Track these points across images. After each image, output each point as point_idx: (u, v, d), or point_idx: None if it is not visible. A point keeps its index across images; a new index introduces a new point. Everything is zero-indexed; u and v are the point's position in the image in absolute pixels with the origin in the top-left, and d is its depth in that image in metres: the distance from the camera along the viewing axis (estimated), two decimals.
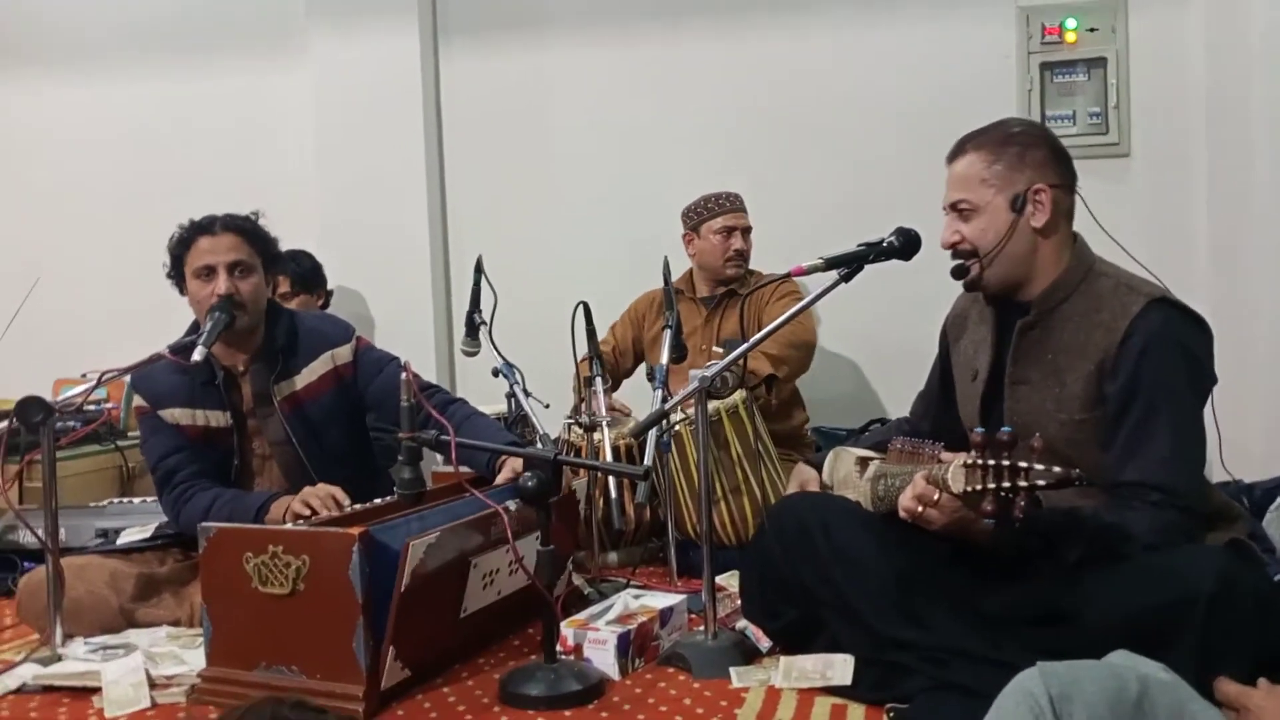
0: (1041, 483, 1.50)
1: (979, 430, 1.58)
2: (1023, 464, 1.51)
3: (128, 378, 2.54)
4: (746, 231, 3.33)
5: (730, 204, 3.33)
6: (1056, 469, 1.49)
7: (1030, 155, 1.92)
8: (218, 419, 2.53)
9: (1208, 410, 1.91)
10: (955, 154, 1.99)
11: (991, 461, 1.54)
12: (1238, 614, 1.54)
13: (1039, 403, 1.91)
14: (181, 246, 2.52)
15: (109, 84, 4.42)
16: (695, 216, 3.35)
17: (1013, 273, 1.95)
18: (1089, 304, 1.88)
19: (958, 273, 1.97)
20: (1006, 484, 1.52)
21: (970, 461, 1.58)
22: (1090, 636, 1.56)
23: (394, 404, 2.10)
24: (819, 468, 2.30)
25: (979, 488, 1.56)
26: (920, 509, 1.71)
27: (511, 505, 1.99)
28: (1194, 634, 1.55)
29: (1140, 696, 1.19)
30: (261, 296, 2.57)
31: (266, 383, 2.54)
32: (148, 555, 2.54)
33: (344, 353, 2.63)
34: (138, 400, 2.56)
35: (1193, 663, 1.45)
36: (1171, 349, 1.80)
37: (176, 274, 2.55)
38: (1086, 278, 1.91)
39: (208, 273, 2.48)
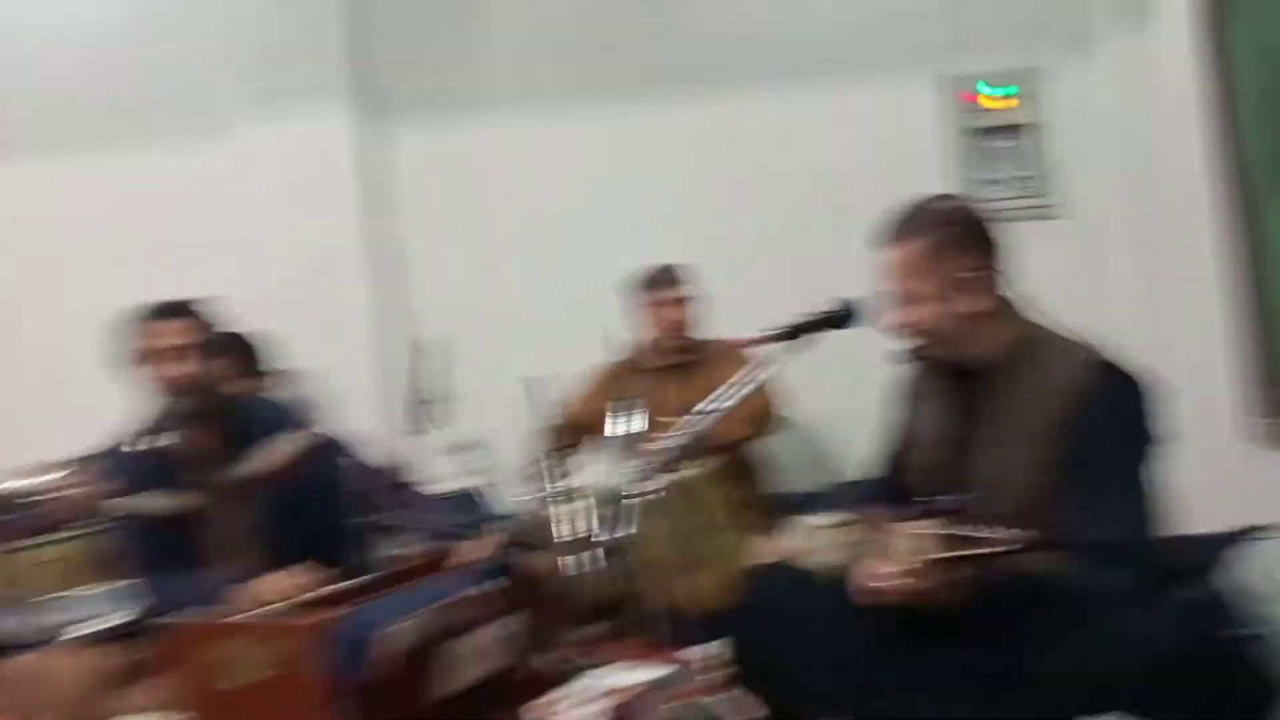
0: (1002, 549, 1.50)
1: (935, 498, 1.59)
2: (982, 533, 1.52)
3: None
4: (680, 302, 3.38)
5: (656, 280, 3.39)
6: (1016, 534, 1.50)
7: (957, 244, 1.92)
8: (178, 505, 2.52)
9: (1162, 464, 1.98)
10: (883, 242, 2.00)
11: (952, 531, 1.55)
12: (1200, 672, 1.55)
13: (1001, 467, 1.92)
14: (124, 334, 2.51)
15: (40, 175, 4.32)
16: (631, 294, 3.43)
17: (953, 351, 1.98)
18: (1033, 367, 1.91)
19: (899, 357, 2.02)
20: (969, 551, 1.52)
21: (928, 532, 1.58)
22: (1049, 698, 1.58)
23: (351, 487, 2.10)
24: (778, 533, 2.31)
25: (938, 557, 1.56)
26: (882, 591, 1.71)
27: (489, 588, 1.98)
28: (1154, 694, 1.57)
29: None
30: (209, 379, 2.56)
31: (224, 469, 2.53)
32: (112, 646, 2.48)
33: (299, 438, 2.62)
34: (101, 486, 2.53)
35: None
36: (1119, 411, 1.84)
37: (122, 362, 2.52)
38: (1029, 340, 1.94)
39: (155, 358, 2.47)
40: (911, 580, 1.65)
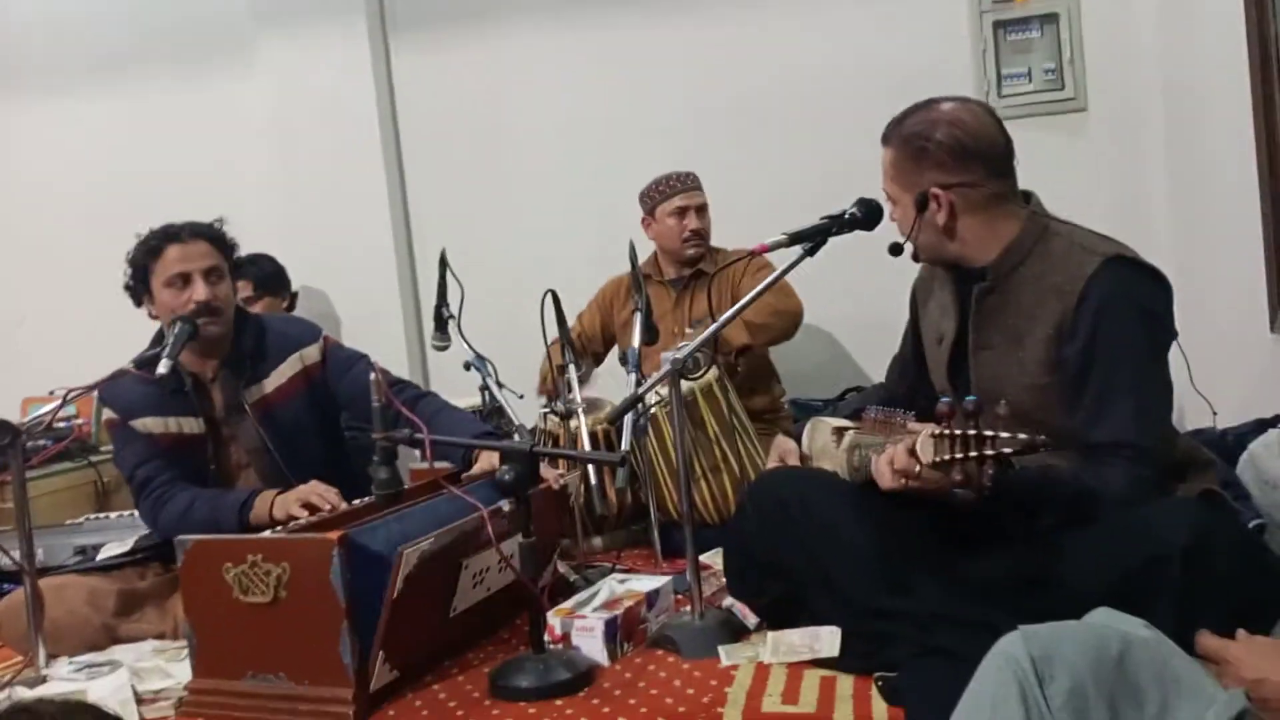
0: (1007, 450, 1.50)
1: (944, 400, 1.58)
2: (988, 432, 1.52)
3: (96, 393, 2.51)
4: (701, 209, 3.30)
5: (682, 184, 3.30)
6: (1022, 435, 1.50)
7: (927, 158, 1.90)
8: (190, 426, 2.52)
9: (1177, 357, 1.93)
10: (883, 141, 2.00)
11: (958, 431, 1.54)
12: (1212, 565, 1.55)
13: (1003, 368, 1.91)
14: (149, 255, 2.48)
15: (64, 104, 4.40)
16: (650, 200, 3.33)
17: (938, 255, 1.99)
18: (1044, 267, 1.88)
19: (892, 250, 1.97)
20: (974, 453, 1.52)
21: (937, 432, 1.59)
22: (1070, 598, 1.56)
23: (365, 402, 2.10)
24: (798, 439, 2.31)
25: (947, 458, 1.56)
26: (904, 483, 1.72)
27: (504, 505, 1.98)
28: (1171, 588, 1.56)
29: (1122, 654, 1.19)
30: (232, 302, 2.56)
31: (236, 389, 2.53)
32: (127, 570, 2.51)
33: (312, 353, 2.61)
34: (108, 413, 2.53)
35: (1172, 617, 1.46)
36: (1127, 307, 1.80)
37: (140, 285, 2.51)
38: (1041, 238, 1.90)
39: (182, 280, 2.46)
40: (939, 478, 1.65)
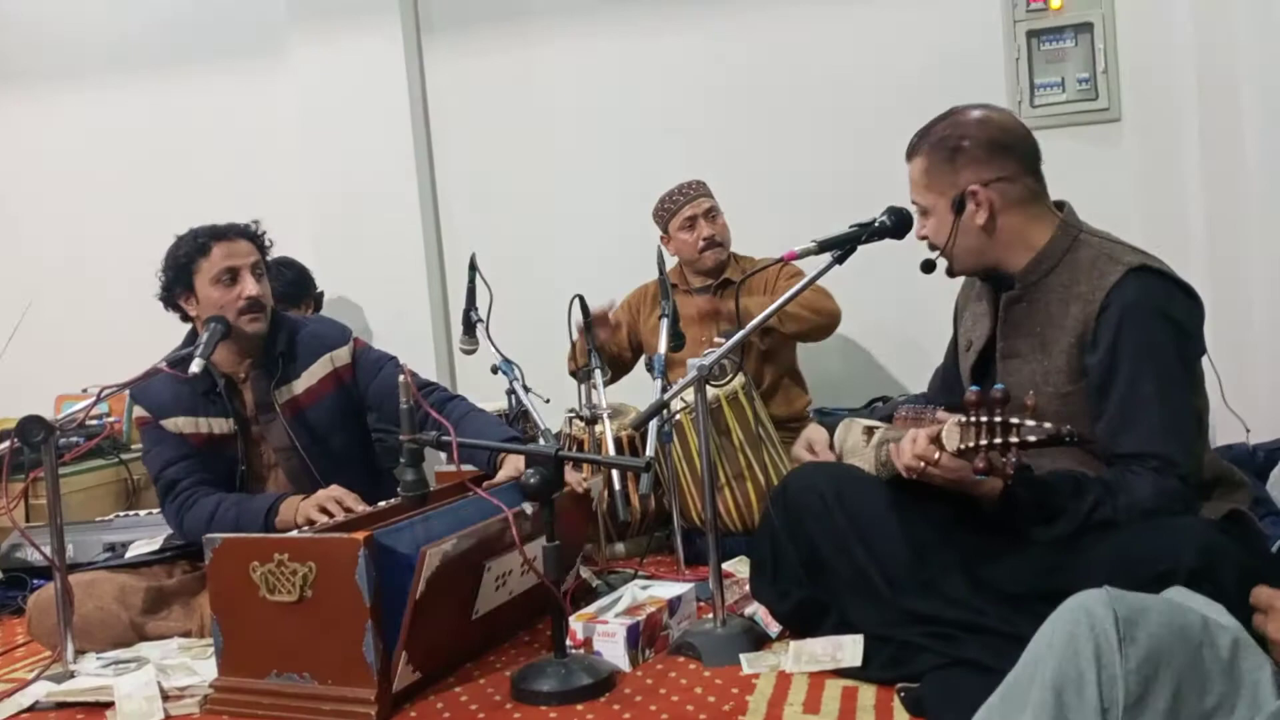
0: (1032, 438, 1.50)
1: (974, 388, 1.59)
2: (1014, 420, 1.52)
3: (128, 391, 2.54)
4: (710, 214, 3.28)
5: (685, 195, 3.28)
6: (1047, 425, 1.50)
7: (962, 156, 1.90)
8: (221, 426, 2.54)
9: (1209, 372, 1.91)
10: (908, 154, 2.00)
11: (984, 419, 1.54)
12: (1220, 587, 1.50)
13: (1028, 375, 1.90)
14: (197, 253, 2.50)
15: (98, 101, 4.45)
16: (661, 218, 3.32)
17: (977, 263, 1.97)
18: (1071, 275, 1.87)
19: (925, 267, 1.96)
20: (998, 440, 1.52)
21: (964, 420, 1.59)
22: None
23: (394, 404, 2.11)
24: (830, 431, 2.30)
25: (971, 445, 1.56)
26: (922, 465, 1.72)
27: (528, 509, 1.98)
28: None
29: (1202, 638, 1.18)
30: (271, 300, 2.60)
31: (267, 389, 2.55)
32: (156, 568, 2.54)
33: (342, 354, 2.63)
34: (139, 411, 2.56)
35: None
36: (1150, 315, 1.78)
37: (181, 284, 2.52)
38: (1071, 248, 1.89)
39: (231, 276, 2.49)
40: (960, 466, 1.67)
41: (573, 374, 3.00)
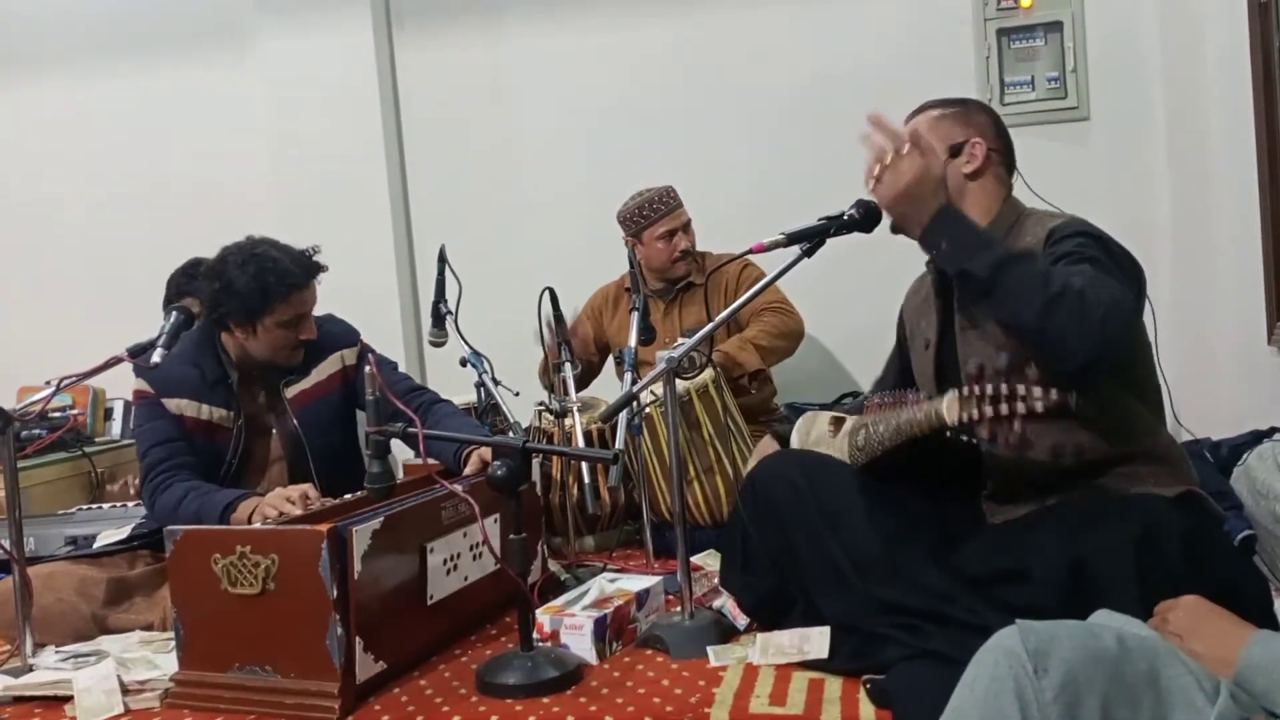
0: (1039, 407, 1.51)
1: (974, 360, 1.62)
2: (1020, 390, 1.53)
3: (89, 382, 2.51)
4: (687, 226, 3.27)
5: (665, 205, 3.25)
6: (1054, 393, 1.51)
7: (976, 118, 2.01)
8: (222, 416, 2.56)
9: (1169, 364, 1.92)
10: (916, 111, 2.06)
11: (989, 389, 1.55)
12: (1165, 558, 1.55)
13: (991, 337, 1.87)
14: (278, 298, 2.50)
15: (60, 89, 4.39)
16: (634, 224, 3.28)
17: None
18: (1016, 239, 1.90)
19: (894, 229, 1.95)
20: (1004, 409, 1.53)
21: (966, 392, 1.59)
22: (1038, 590, 1.60)
23: (388, 405, 2.14)
24: (783, 438, 2.30)
25: (975, 415, 1.57)
26: (888, 160, 1.79)
27: (459, 489, 2.00)
28: (1125, 578, 1.56)
29: (1118, 655, 1.19)
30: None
31: (278, 383, 2.61)
32: (118, 559, 2.51)
33: (350, 355, 2.72)
34: (141, 385, 2.55)
35: (1130, 607, 1.43)
36: (1089, 232, 1.81)
37: (247, 317, 2.52)
38: (1016, 222, 1.95)
39: (298, 321, 2.55)
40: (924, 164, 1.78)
41: (547, 388, 2.99)
